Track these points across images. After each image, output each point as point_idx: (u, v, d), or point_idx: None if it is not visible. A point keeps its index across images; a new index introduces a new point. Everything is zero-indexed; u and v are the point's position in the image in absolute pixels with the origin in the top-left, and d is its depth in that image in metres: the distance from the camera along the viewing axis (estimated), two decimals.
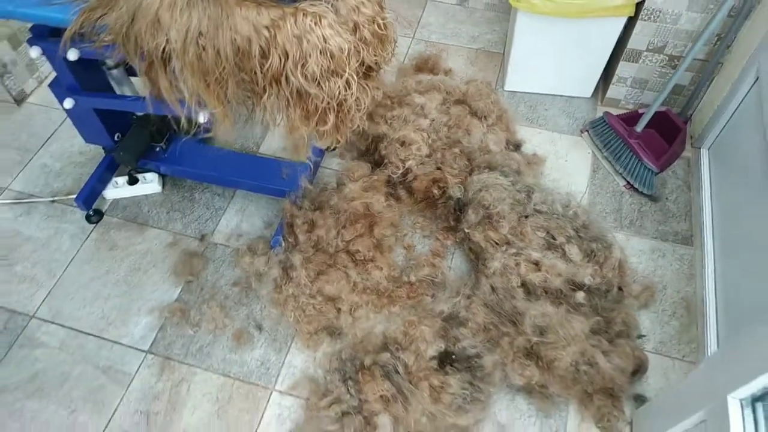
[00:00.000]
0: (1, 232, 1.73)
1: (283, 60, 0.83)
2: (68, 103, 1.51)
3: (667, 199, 1.77)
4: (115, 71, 1.51)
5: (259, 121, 0.94)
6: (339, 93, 0.88)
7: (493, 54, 2.19)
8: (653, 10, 1.68)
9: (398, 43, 1.66)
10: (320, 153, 1.79)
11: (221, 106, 0.88)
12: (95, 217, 1.75)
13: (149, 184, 1.79)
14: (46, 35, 1.38)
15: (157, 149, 1.74)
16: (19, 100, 2.06)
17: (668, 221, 1.72)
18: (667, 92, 1.70)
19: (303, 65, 0.84)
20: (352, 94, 0.89)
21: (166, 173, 1.79)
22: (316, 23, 0.83)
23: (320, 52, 0.84)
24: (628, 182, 1.78)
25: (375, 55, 0.93)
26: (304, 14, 0.83)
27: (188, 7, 0.80)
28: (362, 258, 1.57)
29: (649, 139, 1.81)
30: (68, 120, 1.98)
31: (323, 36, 0.83)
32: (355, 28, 0.88)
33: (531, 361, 1.36)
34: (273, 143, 1.93)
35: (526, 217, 1.54)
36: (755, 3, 1.56)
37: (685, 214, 1.74)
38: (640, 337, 1.49)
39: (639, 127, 1.76)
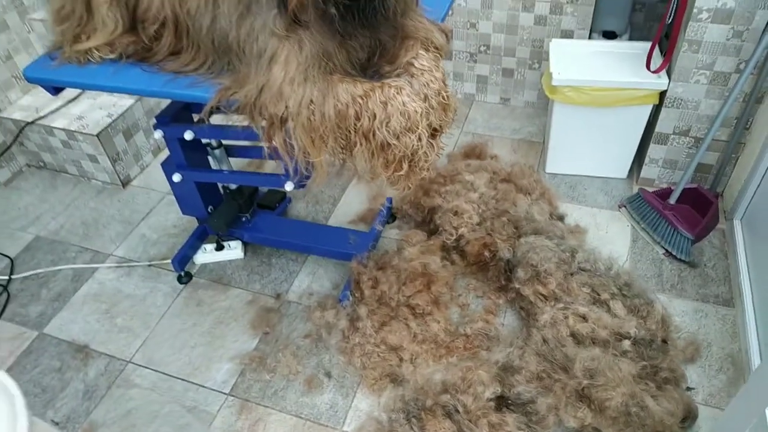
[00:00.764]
0: (106, 290, 2.00)
1: (371, 120, 1.09)
2: (177, 177, 1.82)
3: (705, 265, 1.89)
4: (217, 151, 1.83)
5: (347, 171, 1.19)
6: (413, 145, 1.12)
7: (533, 143, 2.45)
8: (675, 98, 1.92)
9: (449, 133, 1.93)
10: (382, 222, 2.03)
11: (321, 156, 1.14)
12: (185, 278, 2.00)
13: (233, 250, 2.05)
14: (168, 121, 1.72)
15: (243, 219, 2.02)
16: (125, 183, 2.42)
17: (708, 285, 1.83)
18: (692, 170, 1.89)
19: (387, 123, 1.09)
20: (422, 146, 1.14)
21: (248, 241, 2.05)
22: (397, 93, 1.10)
23: (400, 114, 1.09)
24: (667, 250, 1.92)
25: (439, 120, 1.19)
26: (388, 87, 1.11)
27: (304, 82, 1.09)
28: (421, 311, 1.73)
29: (684, 213, 1.97)
30: (165, 199, 2.33)
31: (403, 102, 1.10)
32: (425, 98, 1.14)
33: (583, 403, 1.45)
34: (340, 216, 2.18)
35: (572, 274, 1.70)
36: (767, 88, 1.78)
37: (723, 278, 1.85)
38: (689, 389, 1.56)
39: (672, 200, 1.94)
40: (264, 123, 1.15)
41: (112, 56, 1.38)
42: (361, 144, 1.13)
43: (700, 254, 1.92)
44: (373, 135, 1.11)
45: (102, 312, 1.93)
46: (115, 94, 2.43)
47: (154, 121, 1.73)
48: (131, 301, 1.95)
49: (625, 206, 2.09)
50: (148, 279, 2.02)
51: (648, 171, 2.14)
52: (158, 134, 1.71)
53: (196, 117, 1.79)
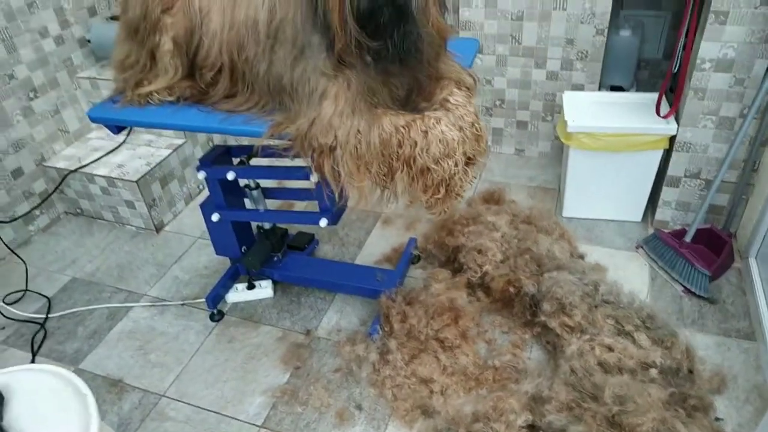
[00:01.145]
0: (140, 328, 2.06)
1: (413, 147, 1.21)
2: (215, 216, 1.92)
3: (724, 301, 1.94)
4: (255, 192, 1.94)
5: (388, 196, 1.29)
6: (450, 170, 1.23)
7: (548, 189, 2.56)
8: (685, 142, 2.04)
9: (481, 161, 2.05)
10: (407, 262, 2.10)
11: (365, 182, 1.24)
12: (218, 316, 2.06)
13: (264, 289, 2.12)
14: (210, 164, 1.85)
15: (275, 259, 2.10)
16: (159, 228, 2.53)
17: (729, 320, 1.88)
18: (704, 211, 1.98)
19: (427, 150, 1.20)
20: (458, 172, 1.24)
21: (279, 279, 2.13)
22: (436, 123, 1.22)
23: (439, 141, 1.21)
24: (685, 287, 1.98)
25: (473, 149, 1.30)
26: (428, 118, 1.23)
27: (352, 114, 1.21)
28: (450, 345, 1.78)
29: (699, 251, 2.04)
30: (196, 243, 2.43)
31: (441, 131, 1.21)
32: (461, 129, 1.26)
33: (614, 430, 1.47)
34: (366, 258, 2.26)
35: (596, 307, 1.75)
36: None
37: (743, 314, 1.89)
38: (718, 419, 1.57)
39: (687, 238, 2.01)
40: (313, 153, 1.26)
41: (170, 99, 1.52)
42: (402, 170, 1.23)
43: (718, 291, 1.98)
44: (414, 161, 1.22)
45: (136, 348, 1.98)
46: (153, 144, 2.59)
47: (196, 164, 1.86)
48: (165, 338, 2.01)
49: (642, 247, 2.17)
50: (181, 317, 2.09)
51: (662, 213, 2.23)
52: (201, 175, 1.83)
53: (235, 160, 1.92)
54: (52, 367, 1.07)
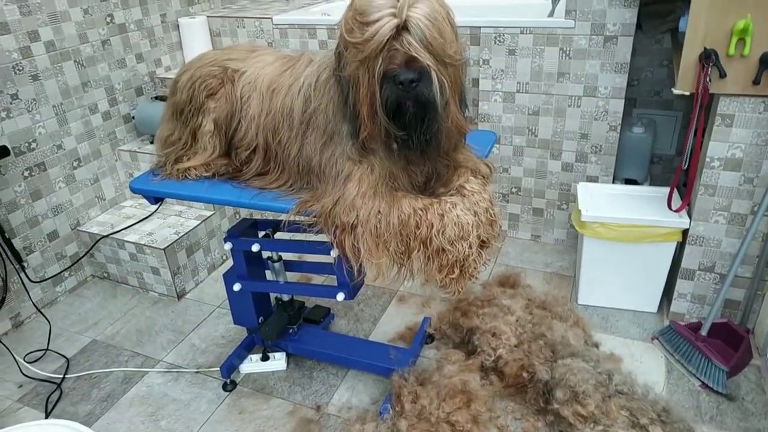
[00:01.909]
0: (153, 393, 2.08)
1: (429, 228, 1.28)
2: (237, 286, 1.99)
3: (743, 399, 1.91)
4: (277, 264, 2.02)
5: (404, 274, 1.35)
6: (465, 252, 1.29)
7: (564, 276, 2.59)
8: (697, 236, 2.08)
9: (482, 268, 2.11)
10: (420, 342, 2.12)
11: (383, 259, 1.31)
12: (230, 386, 2.08)
13: (277, 361, 2.14)
14: (237, 236, 1.94)
15: (290, 331, 2.14)
16: (180, 295, 2.60)
17: (748, 419, 1.83)
18: (718, 305, 1.99)
19: (443, 232, 1.28)
20: (472, 254, 1.30)
21: (292, 352, 2.15)
22: (452, 207, 1.31)
23: (454, 224, 1.28)
24: (703, 382, 1.95)
25: (487, 233, 1.37)
26: (445, 202, 1.32)
27: (374, 196, 1.30)
28: (461, 428, 1.76)
29: (716, 346, 2.03)
30: (215, 312, 2.48)
31: (457, 215, 1.29)
32: (476, 213, 1.34)
33: None
34: (380, 335, 2.29)
35: (610, 397, 1.74)
36: None
37: (764, 412, 1.85)
38: None
39: (703, 331, 2.01)
40: (336, 230, 1.34)
41: (206, 174, 1.64)
42: (419, 249, 1.30)
43: (737, 388, 1.94)
44: (430, 241, 1.29)
45: (147, 414, 1.99)
46: (183, 215, 2.72)
47: (223, 235, 1.96)
48: (176, 405, 2.02)
49: (658, 338, 2.16)
50: (195, 385, 2.11)
51: (678, 305, 2.23)
52: (228, 246, 1.92)
53: (261, 233, 2.01)
54: (67, 422, 1.11)
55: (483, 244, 1.38)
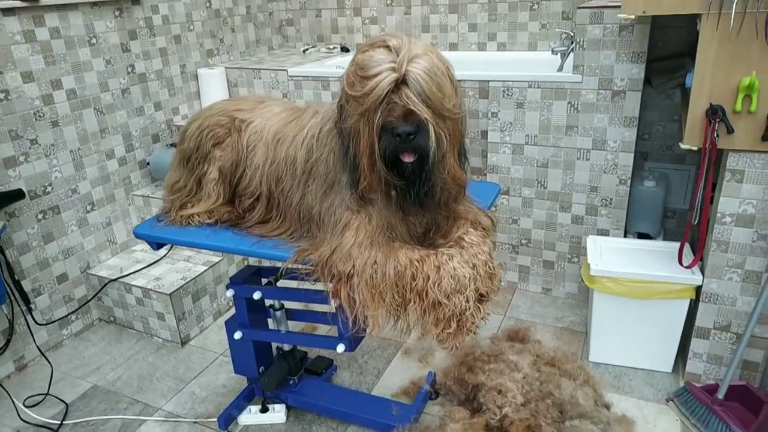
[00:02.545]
0: None
1: (425, 281, 1.26)
2: (238, 334, 1.97)
3: None
4: (278, 312, 1.99)
5: (401, 327, 1.32)
6: (461, 305, 1.26)
7: (576, 332, 2.52)
8: (711, 294, 2.02)
9: (490, 318, 2.07)
10: (424, 398, 2.06)
11: (379, 310, 1.28)
12: None
13: (276, 414, 2.09)
14: (240, 283, 1.93)
15: (290, 382, 2.10)
16: (184, 342, 2.58)
17: None
18: (734, 367, 1.90)
19: (439, 284, 1.26)
20: (469, 308, 1.27)
21: (292, 404, 2.10)
22: (449, 259, 1.29)
23: (451, 277, 1.26)
24: None
25: (486, 287, 1.34)
26: (441, 254, 1.30)
27: (370, 246, 1.29)
28: None
29: (735, 410, 1.93)
30: (218, 359, 2.45)
31: (453, 267, 1.27)
32: (474, 266, 1.31)
33: None
34: (384, 389, 2.22)
35: None
36: None
37: None
38: None
39: (720, 394, 1.91)
40: (332, 279, 1.33)
41: (209, 221, 1.66)
42: (414, 301, 1.28)
43: None
44: (426, 294, 1.27)
45: None
46: (191, 260, 2.73)
47: (227, 282, 1.95)
48: None
49: (673, 400, 2.06)
50: None
51: (693, 366, 2.14)
52: (230, 293, 1.91)
53: (264, 281, 2.00)
54: None
55: (482, 298, 1.35)
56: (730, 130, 1.78)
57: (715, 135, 1.78)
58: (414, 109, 1.18)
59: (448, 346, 1.31)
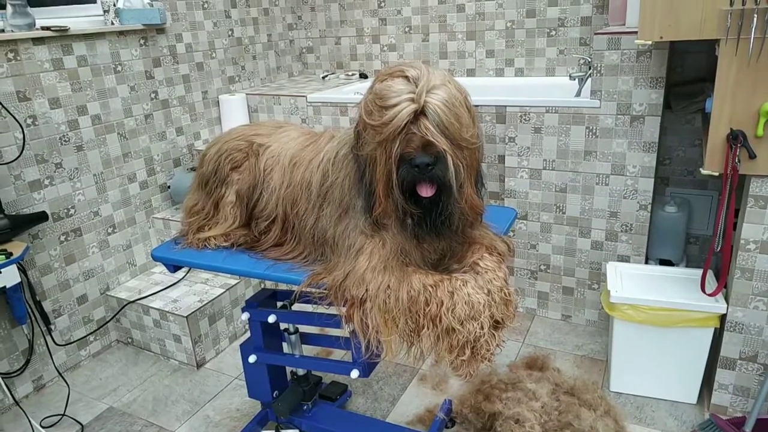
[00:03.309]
0: None
1: (439, 306, 1.24)
2: (252, 358, 1.96)
3: None
4: (293, 336, 1.99)
5: (414, 353, 1.30)
6: (475, 332, 1.24)
7: (596, 360, 2.46)
8: (736, 323, 1.96)
9: (508, 345, 2.01)
10: (439, 427, 2.01)
11: (392, 336, 1.27)
12: None
13: None
14: (255, 306, 1.93)
15: (304, 407, 2.07)
16: (200, 365, 2.58)
17: None
18: (761, 400, 1.83)
19: (453, 310, 1.24)
20: (484, 334, 1.25)
21: (306, 430, 2.07)
22: (463, 285, 1.27)
23: (465, 303, 1.24)
24: None
25: (501, 313, 1.32)
26: (456, 279, 1.28)
27: (383, 270, 1.29)
28: None
29: None
30: (233, 383, 2.44)
31: (468, 293, 1.25)
32: (489, 292, 1.30)
33: None
34: (399, 416, 2.19)
35: None
36: None
37: None
38: None
39: (747, 428, 1.84)
40: (345, 303, 1.32)
41: (225, 244, 1.67)
42: (428, 327, 1.26)
43: None
44: (440, 320, 1.25)
45: None
46: (209, 283, 2.75)
47: (243, 305, 1.96)
48: None
49: None
50: None
51: (719, 397, 2.07)
52: (245, 316, 1.91)
53: (279, 304, 2.00)
54: None
55: (497, 325, 1.33)
56: (752, 156, 1.75)
57: (736, 160, 1.75)
58: (432, 140, 1.18)
59: (462, 374, 1.29)
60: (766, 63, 1.67)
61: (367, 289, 1.29)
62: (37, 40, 2.27)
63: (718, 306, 1.97)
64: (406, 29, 3.42)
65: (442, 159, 1.20)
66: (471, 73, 3.32)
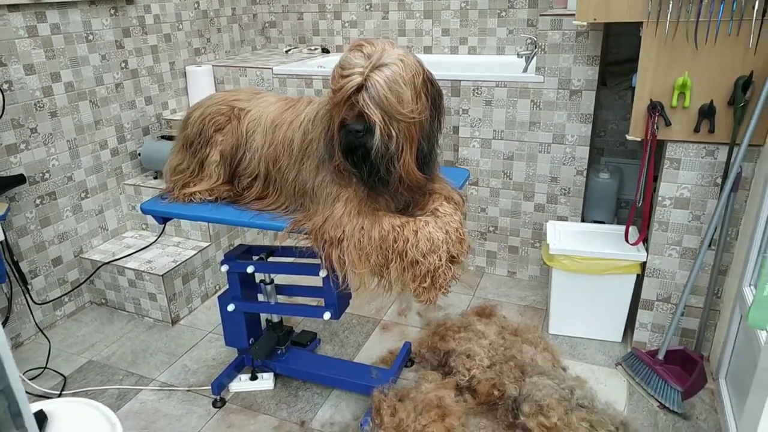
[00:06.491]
0: (146, 409, 2.19)
1: (405, 243, 1.47)
2: (231, 306, 2.15)
3: (697, 418, 2.06)
4: (269, 287, 2.18)
5: (383, 285, 1.53)
6: (435, 263, 1.48)
7: (538, 309, 2.77)
8: (654, 269, 2.29)
9: (461, 298, 2.26)
10: (401, 363, 2.27)
11: (365, 269, 1.49)
12: (220, 403, 2.20)
13: (265, 381, 2.27)
14: (233, 259, 2.12)
15: (278, 352, 2.28)
16: (174, 321, 2.74)
17: None
18: (671, 333, 2.17)
19: (416, 245, 1.47)
20: (442, 265, 1.49)
21: (280, 372, 2.29)
22: (425, 225, 1.51)
23: (426, 239, 1.48)
24: (660, 402, 2.10)
25: (456, 250, 1.56)
26: (419, 221, 1.52)
27: (358, 215, 1.50)
28: None
29: (674, 371, 2.19)
30: (207, 336, 2.62)
31: (429, 231, 1.49)
32: (446, 232, 1.53)
33: None
34: (363, 359, 2.43)
35: (572, 410, 1.89)
36: (730, 261, 2.15)
37: (715, 430, 2.00)
38: None
39: (660, 355, 2.18)
40: (324, 243, 1.54)
41: (210, 198, 1.84)
42: (395, 261, 1.49)
43: (692, 408, 2.10)
44: (406, 254, 1.48)
45: (140, 428, 2.10)
46: (181, 246, 2.89)
47: (219, 262, 2.13)
48: (168, 420, 2.14)
49: (621, 364, 2.32)
50: (186, 402, 2.22)
51: (639, 335, 2.41)
52: (224, 268, 2.09)
53: (255, 258, 2.19)
54: (87, 400, 1.25)
55: (453, 260, 1.57)
56: (667, 123, 2.05)
57: (655, 127, 2.05)
58: (367, 111, 1.39)
59: (423, 300, 1.53)
60: (680, 43, 1.96)
61: (344, 231, 1.51)
62: (12, 7, 2.34)
63: (640, 255, 2.29)
64: (367, 6, 3.59)
65: (372, 128, 1.40)
66: (428, 50, 3.53)
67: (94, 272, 2.78)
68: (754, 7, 1.81)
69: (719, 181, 2.08)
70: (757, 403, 1.29)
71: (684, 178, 2.13)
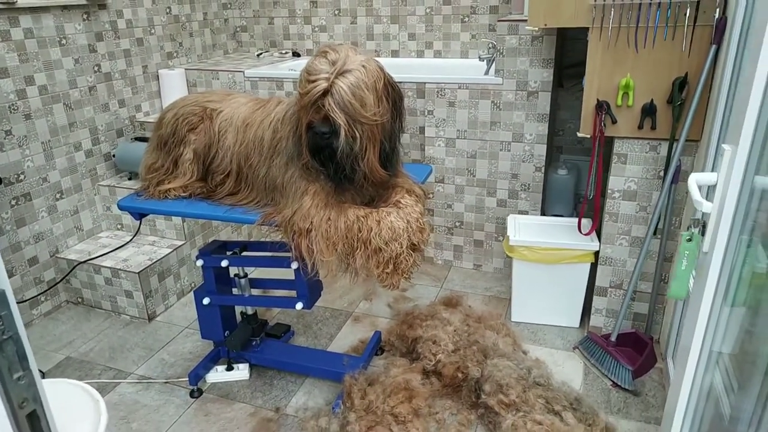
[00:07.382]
0: (125, 400, 2.27)
1: (369, 232, 1.59)
2: (206, 300, 2.23)
3: (646, 394, 2.22)
4: (243, 280, 2.28)
5: (350, 272, 1.65)
6: (397, 250, 1.60)
7: (501, 299, 2.91)
8: (606, 257, 2.45)
9: (428, 290, 2.39)
10: (371, 351, 2.38)
11: (332, 257, 1.61)
12: (197, 393, 2.28)
13: (241, 371, 2.36)
14: (208, 254, 2.21)
15: (253, 343, 2.38)
16: (151, 318, 2.81)
17: (649, 410, 2.14)
18: (622, 317, 2.33)
19: (379, 234, 1.59)
20: (403, 252, 1.62)
21: (255, 363, 2.38)
22: (387, 215, 1.63)
23: (389, 228, 1.60)
24: (613, 381, 2.26)
25: (417, 238, 1.69)
26: (381, 211, 1.64)
27: (325, 207, 1.61)
28: (403, 419, 2.01)
29: (626, 352, 2.35)
30: (184, 331, 2.69)
31: (391, 221, 1.61)
32: (408, 222, 1.66)
33: None
34: (335, 349, 2.54)
35: (529, 388, 2.03)
36: (674, 248, 2.32)
37: (662, 405, 2.16)
38: None
39: (612, 337, 2.34)
40: (294, 234, 1.65)
41: (184, 195, 1.93)
42: (360, 249, 1.61)
43: (642, 386, 2.26)
44: (370, 242, 1.60)
45: (120, 418, 2.17)
46: (156, 244, 2.96)
47: (194, 257, 2.22)
48: (147, 410, 2.21)
49: (578, 347, 2.48)
50: (164, 393, 2.30)
51: (595, 320, 2.57)
52: (200, 262, 2.18)
53: (229, 253, 2.28)
54: (73, 381, 1.34)
55: (414, 247, 1.69)
56: (614, 121, 2.21)
57: (602, 125, 2.21)
58: (331, 115, 1.51)
59: (387, 284, 1.65)
60: (622, 47, 2.12)
61: (312, 222, 1.62)
62: None
63: (593, 244, 2.45)
64: (336, 12, 3.71)
65: (337, 131, 1.52)
66: (395, 54, 3.67)
67: (71, 271, 2.83)
68: (686, 14, 1.98)
69: (662, 174, 2.25)
70: (680, 371, 1.45)
71: (631, 171, 2.30)
